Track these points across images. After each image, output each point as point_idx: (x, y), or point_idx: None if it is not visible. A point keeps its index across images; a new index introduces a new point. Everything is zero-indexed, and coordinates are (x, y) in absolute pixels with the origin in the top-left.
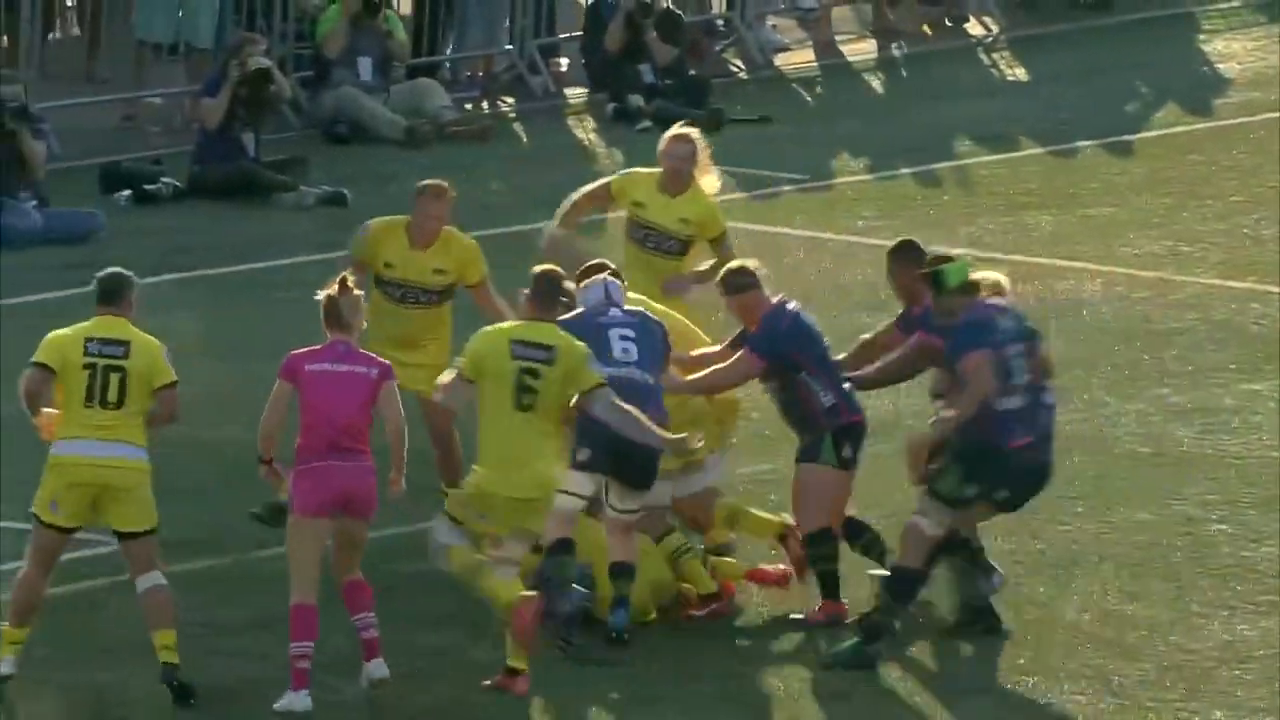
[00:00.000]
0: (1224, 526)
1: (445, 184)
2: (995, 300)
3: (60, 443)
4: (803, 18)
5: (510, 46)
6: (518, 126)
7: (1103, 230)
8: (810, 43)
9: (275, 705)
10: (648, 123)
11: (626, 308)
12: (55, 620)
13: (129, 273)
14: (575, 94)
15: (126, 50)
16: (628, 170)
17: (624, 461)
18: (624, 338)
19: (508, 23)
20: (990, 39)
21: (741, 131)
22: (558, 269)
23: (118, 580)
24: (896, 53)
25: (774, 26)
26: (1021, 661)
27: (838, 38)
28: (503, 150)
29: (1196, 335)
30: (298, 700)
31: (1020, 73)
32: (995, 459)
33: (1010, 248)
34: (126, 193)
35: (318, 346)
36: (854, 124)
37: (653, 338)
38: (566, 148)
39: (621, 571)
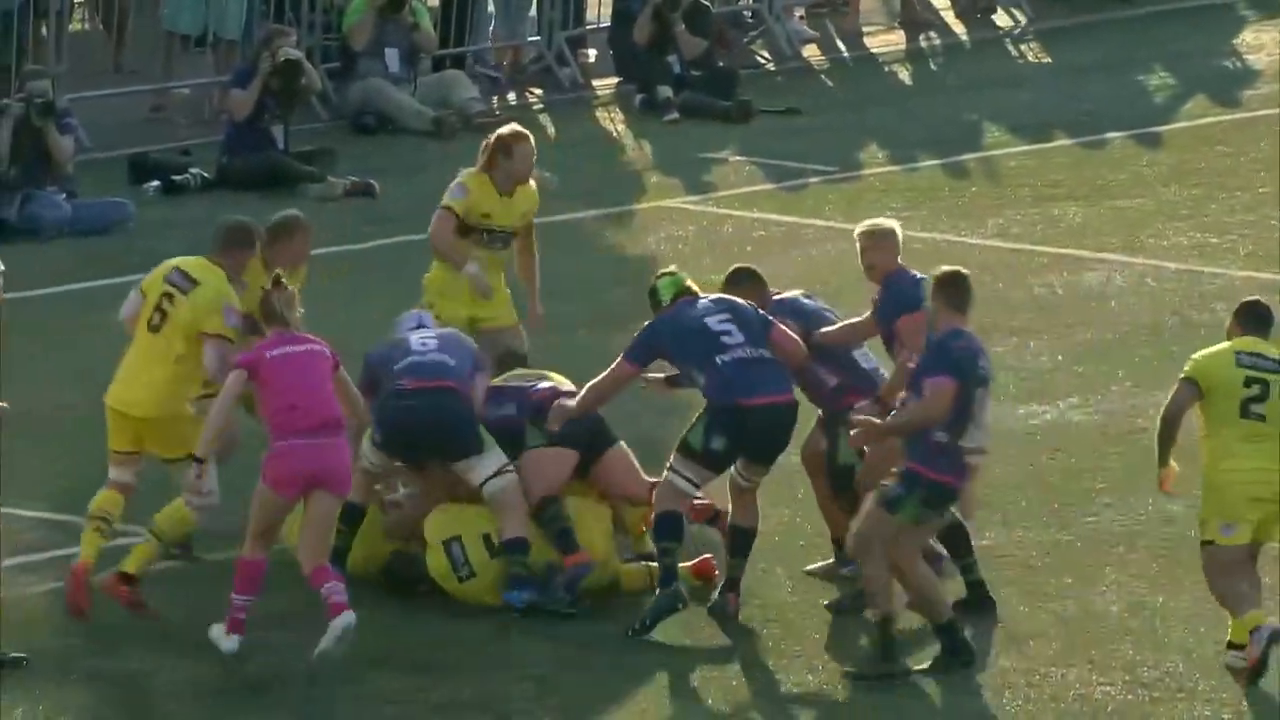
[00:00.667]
0: None
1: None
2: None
3: None
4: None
5: (538, 38)
6: (545, 118)
7: (1131, 222)
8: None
9: (210, 633)
10: (675, 114)
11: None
12: (90, 608)
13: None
14: (603, 85)
15: (155, 42)
16: (461, 186)
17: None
18: None
19: (535, 14)
20: (1019, 30)
21: (769, 123)
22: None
23: (150, 570)
24: (924, 44)
25: (801, 18)
26: (1050, 653)
27: (865, 29)
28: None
29: (1224, 327)
30: (229, 643)
31: (1048, 64)
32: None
33: (1038, 239)
34: (155, 183)
35: (264, 339)
36: (882, 115)
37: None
38: (594, 139)
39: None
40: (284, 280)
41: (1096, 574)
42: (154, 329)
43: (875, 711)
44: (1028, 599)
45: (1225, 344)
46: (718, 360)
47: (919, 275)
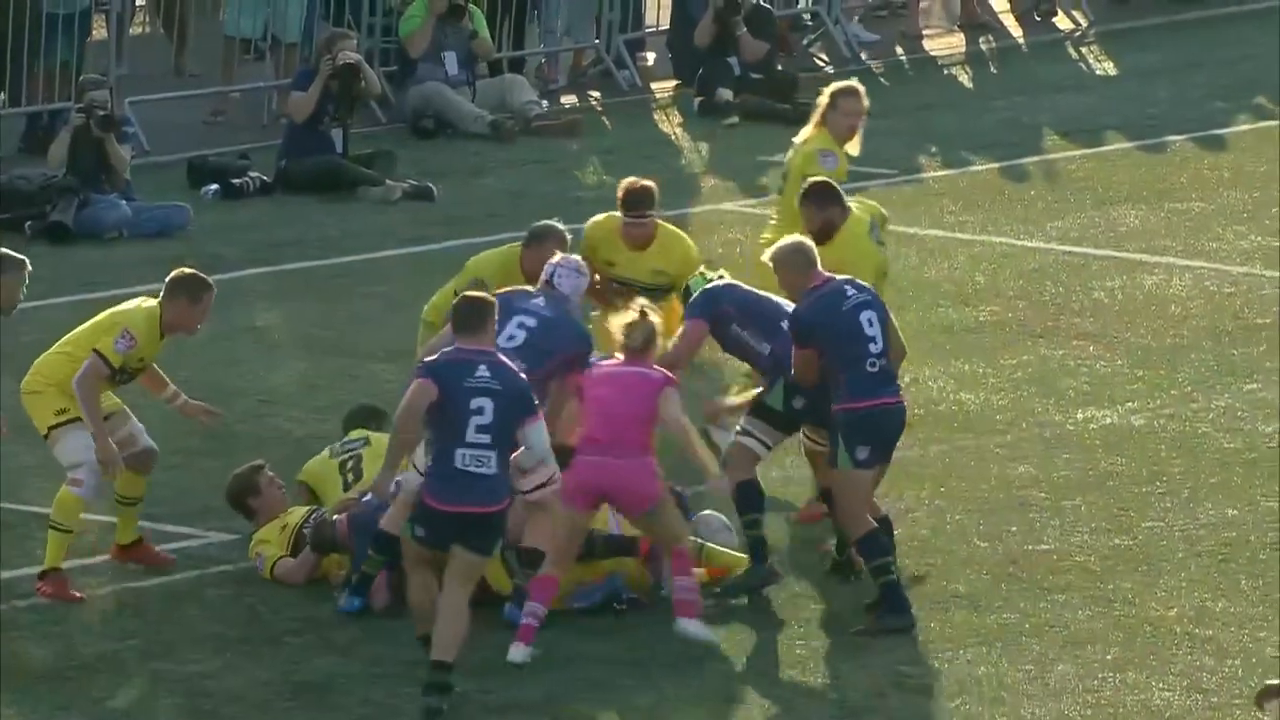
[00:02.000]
0: None
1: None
2: None
3: None
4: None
5: (597, 41)
6: (604, 121)
7: (1191, 225)
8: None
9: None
10: (735, 118)
11: None
12: (147, 612)
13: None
14: (662, 88)
15: (215, 46)
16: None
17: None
18: None
19: (595, 17)
20: (1079, 33)
21: None
22: None
23: (208, 573)
24: (984, 47)
25: (860, 20)
26: (1109, 658)
27: (926, 32)
28: (589, 144)
29: None
30: (517, 654)
31: (1109, 67)
32: None
33: (1098, 242)
34: (214, 187)
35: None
36: (941, 118)
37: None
38: (653, 142)
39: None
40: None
41: (1156, 579)
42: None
43: (936, 715)
44: (1087, 603)
45: None
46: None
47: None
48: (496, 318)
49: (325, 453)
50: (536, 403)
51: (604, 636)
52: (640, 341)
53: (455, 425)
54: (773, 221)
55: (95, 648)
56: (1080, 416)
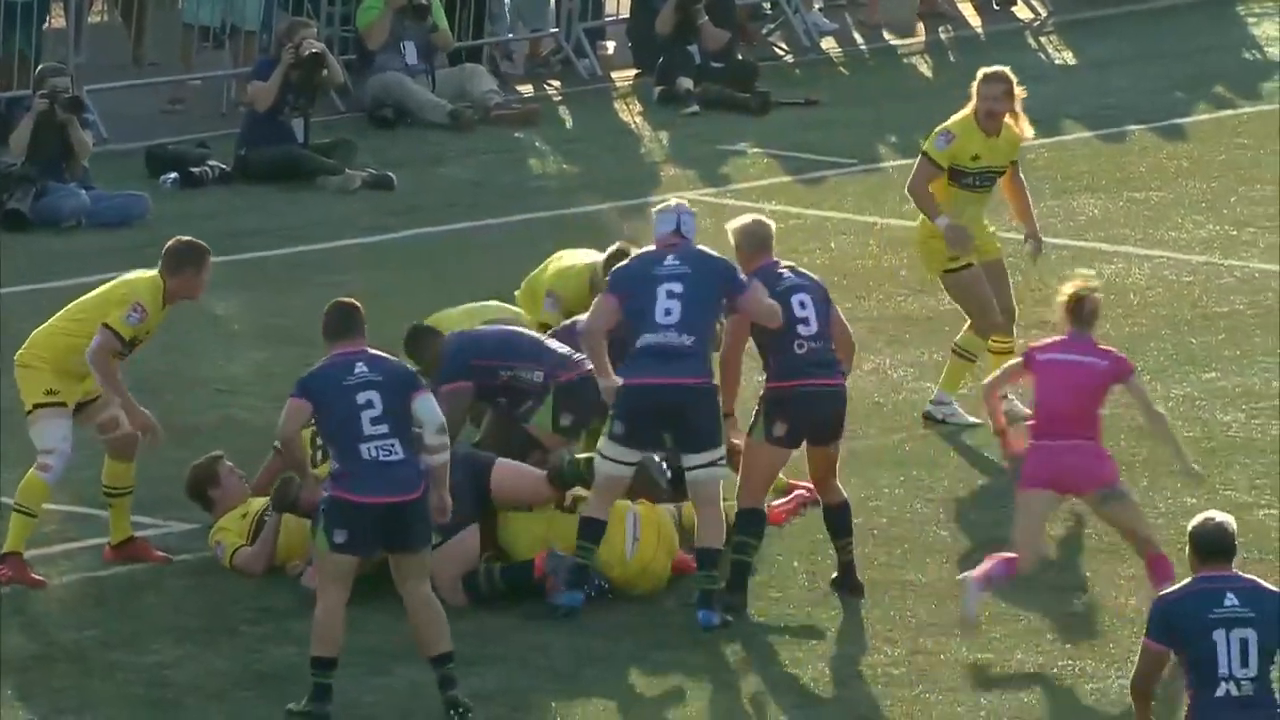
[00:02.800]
0: (1272, 511)
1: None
2: None
3: None
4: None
5: (556, 29)
6: (564, 110)
7: (1150, 214)
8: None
9: None
10: (695, 106)
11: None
12: (106, 602)
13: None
14: (621, 77)
15: (173, 34)
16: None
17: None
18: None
19: (554, 5)
20: (1038, 23)
21: (788, 115)
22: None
23: (163, 565)
24: (944, 36)
25: (820, 9)
26: (1068, 646)
27: (884, 21)
28: (549, 134)
29: (1244, 319)
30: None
31: (1068, 56)
32: None
33: (1058, 231)
34: (173, 176)
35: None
36: (901, 108)
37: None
38: (613, 131)
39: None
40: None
41: (1115, 567)
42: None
43: (896, 703)
44: (1047, 592)
45: None
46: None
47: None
48: (634, 293)
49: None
50: (421, 380)
51: (565, 627)
52: (1089, 315)
53: (349, 424)
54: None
55: (55, 638)
56: None
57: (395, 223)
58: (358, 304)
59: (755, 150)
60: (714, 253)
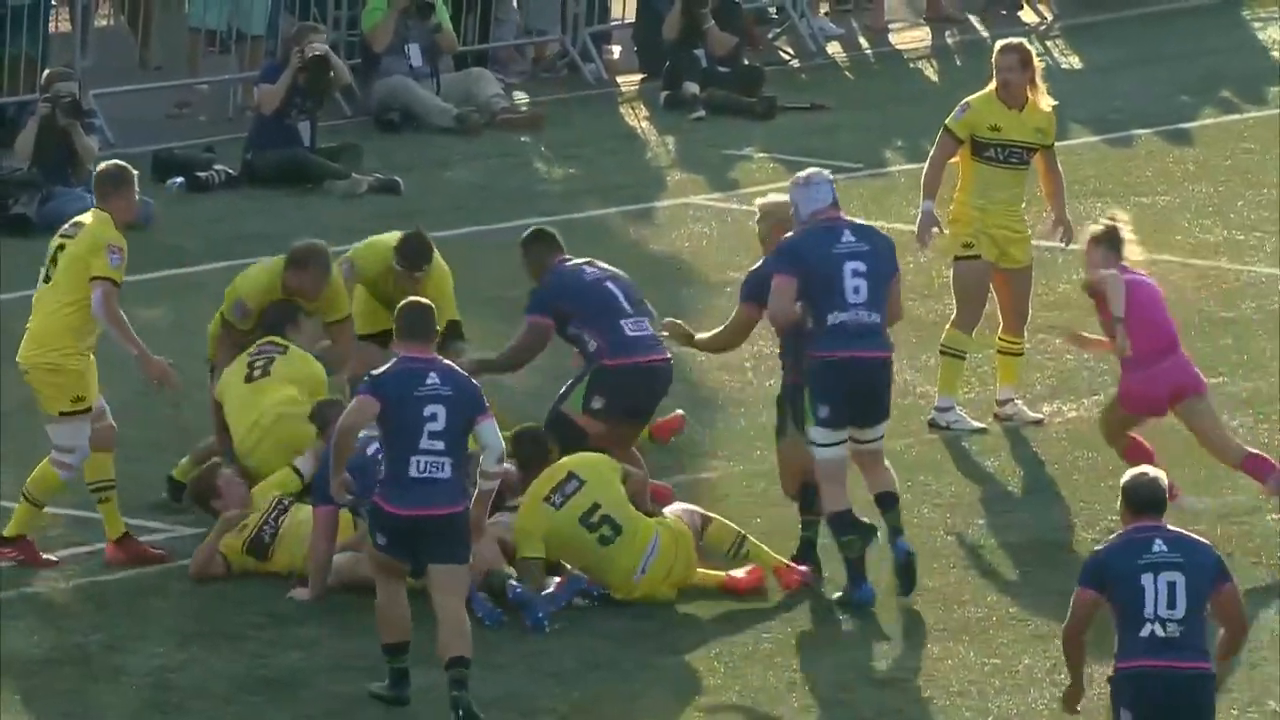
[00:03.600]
0: (1278, 516)
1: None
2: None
3: None
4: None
5: (563, 34)
6: (570, 114)
7: (1157, 219)
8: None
9: None
10: (701, 111)
11: None
12: (111, 605)
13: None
14: (627, 82)
15: (179, 38)
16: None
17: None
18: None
19: (560, 9)
20: (1044, 26)
21: (794, 120)
22: None
23: (172, 566)
24: (950, 41)
25: (826, 14)
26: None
27: (890, 25)
28: (554, 138)
29: (1250, 324)
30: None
31: (1074, 61)
32: None
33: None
34: (179, 180)
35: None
36: (907, 112)
37: None
38: (619, 136)
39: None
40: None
41: None
42: (46, 280)
43: (904, 708)
44: (1054, 597)
45: None
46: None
47: None
48: (815, 272)
49: (243, 355)
50: (487, 403)
51: (572, 631)
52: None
53: (408, 433)
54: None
55: (60, 641)
56: (1046, 410)
57: (401, 226)
58: (431, 306)
59: (761, 155)
60: (877, 229)
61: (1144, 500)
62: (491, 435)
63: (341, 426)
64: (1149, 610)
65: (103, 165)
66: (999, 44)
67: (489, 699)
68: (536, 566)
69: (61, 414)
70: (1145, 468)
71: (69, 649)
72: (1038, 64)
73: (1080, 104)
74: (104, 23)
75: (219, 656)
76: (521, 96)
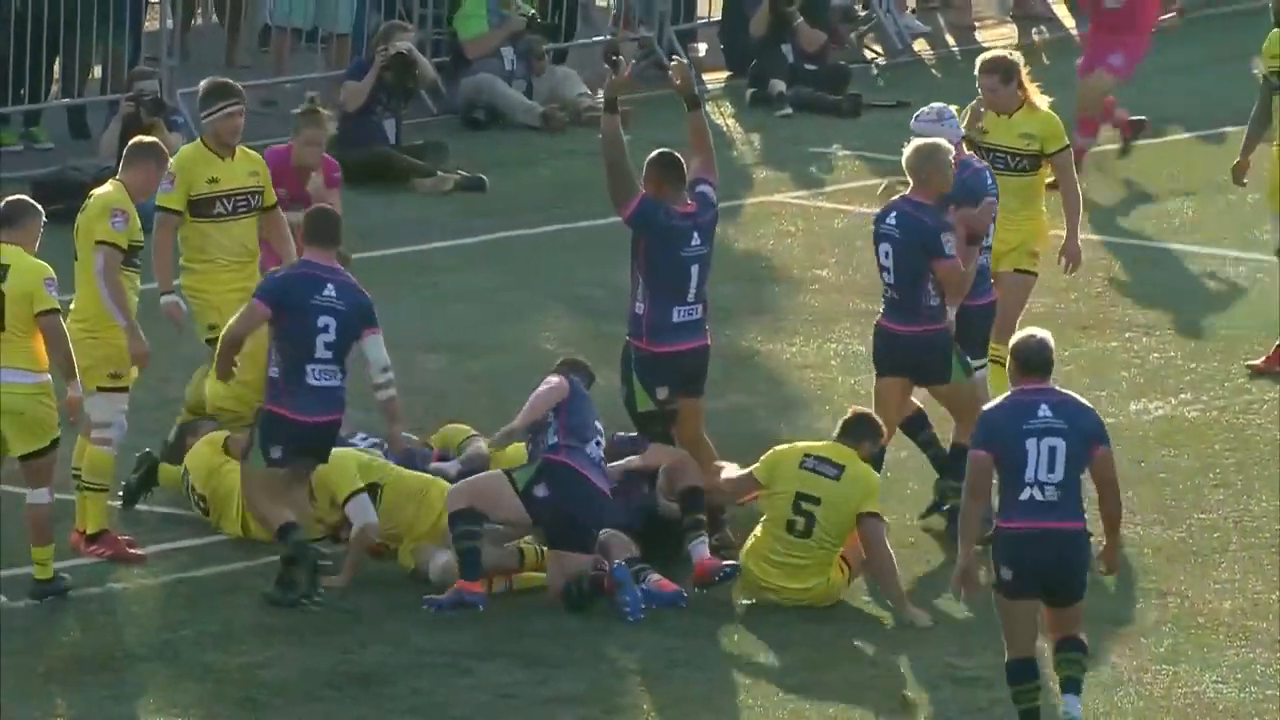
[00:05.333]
0: None
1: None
2: None
3: None
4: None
5: (649, 32)
6: (655, 112)
7: (1245, 216)
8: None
9: None
10: (788, 109)
11: None
12: (197, 602)
13: (32, 202)
14: (713, 79)
15: (266, 36)
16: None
17: None
18: None
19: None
20: None
21: (880, 117)
22: None
23: (257, 563)
24: (1037, 37)
25: (913, 11)
26: (1161, 650)
27: (976, 22)
28: (640, 136)
29: None
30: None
31: (1164, 58)
32: None
33: (1152, 233)
34: None
35: None
36: None
37: None
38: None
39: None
40: None
41: (1208, 571)
42: (76, 257)
43: (989, 706)
44: (1140, 596)
45: None
46: None
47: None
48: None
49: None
50: (375, 318)
51: (654, 628)
52: None
53: (304, 343)
54: None
55: (146, 638)
56: (1133, 408)
57: (486, 224)
58: (339, 215)
59: (846, 153)
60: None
61: (1033, 361)
62: (375, 349)
63: (230, 333)
64: (1029, 474)
65: (134, 139)
66: (979, 61)
67: (573, 694)
68: None
69: (99, 389)
70: (1034, 330)
71: (157, 645)
72: (1024, 72)
73: (1169, 101)
74: (198, 22)
75: (304, 653)
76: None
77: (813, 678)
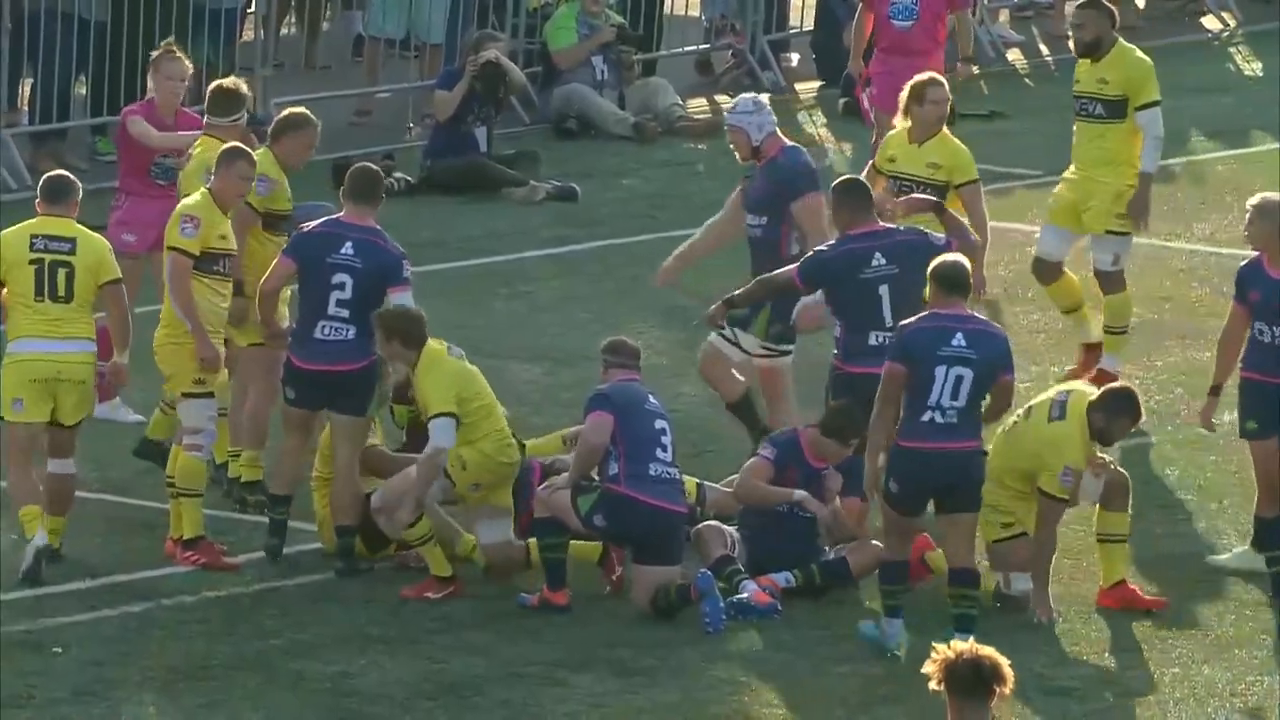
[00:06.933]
0: None
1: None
2: None
3: (18, 341)
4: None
5: (741, 44)
6: None
7: None
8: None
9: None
10: None
11: None
12: (289, 610)
13: (73, 177)
14: (805, 89)
15: (359, 47)
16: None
17: None
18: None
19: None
20: (1227, 33)
21: (973, 127)
22: None
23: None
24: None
25: (1006, 21)
26: (1256, 661)
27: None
28: (718, 145)
29: None
30: None
31: (1257, 68)
32: None
33: (1243, 244)
34: None
35: None
36: None
37: None
38: (796, 142)
39: None
40: None
41: (1240, 590)
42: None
43: (1081, 717)
44: (1234, 607)
45: None
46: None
47: None
48: None
49: None
50: (407, 275)
51: (747, 642)
52: None
53: (317, 298)
54: None
55: (239, 646)
56: (1228, 419)
57: (578, 234)
58: (381, 175)
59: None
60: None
61: (950, 283)
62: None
63: (264, 287)
64: (933, 399)
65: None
66: (918, 79)
67: (664, 703)
68: None
69: (185, 395)
70: (954, 255)
71: (250, 653)
72: (949, 101)
73: (1263, 111)
74: (285, 31)
75: (396, 662)
76: (699, 102)
77: (902, 685)
